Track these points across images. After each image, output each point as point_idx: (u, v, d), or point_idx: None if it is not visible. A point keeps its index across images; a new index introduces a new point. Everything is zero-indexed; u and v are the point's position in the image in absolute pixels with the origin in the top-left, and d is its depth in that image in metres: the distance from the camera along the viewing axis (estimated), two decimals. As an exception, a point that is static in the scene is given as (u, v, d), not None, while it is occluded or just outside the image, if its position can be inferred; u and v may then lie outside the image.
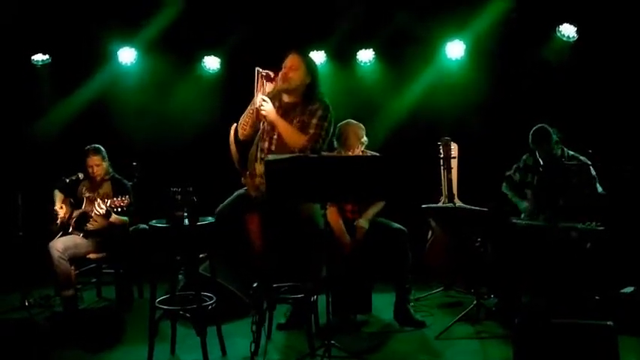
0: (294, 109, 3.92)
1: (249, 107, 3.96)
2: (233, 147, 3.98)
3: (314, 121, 3.84)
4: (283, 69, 3.92)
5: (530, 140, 4.68)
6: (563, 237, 4.33)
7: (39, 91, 6.55)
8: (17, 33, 6.26)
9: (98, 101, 6.52)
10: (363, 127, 4.65)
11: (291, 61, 3.93)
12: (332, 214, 4.54)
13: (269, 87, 3.87)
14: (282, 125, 3.83)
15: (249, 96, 4.20)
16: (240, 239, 3.91)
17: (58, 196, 5.21)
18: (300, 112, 3.90)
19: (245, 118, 3.97)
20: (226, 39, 6.43)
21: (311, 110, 3.88)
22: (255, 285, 3.94)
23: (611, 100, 5.69)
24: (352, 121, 4.65)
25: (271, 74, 3.87)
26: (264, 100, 3.82)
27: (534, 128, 4.69)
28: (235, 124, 4.01)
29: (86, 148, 5.22)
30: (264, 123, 3.93)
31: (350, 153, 4.54)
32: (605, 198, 4.51)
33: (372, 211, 4.64)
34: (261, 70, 3.85)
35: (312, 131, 3.82)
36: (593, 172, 4.56)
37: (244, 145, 4.00)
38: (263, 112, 3.82)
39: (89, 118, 6.47)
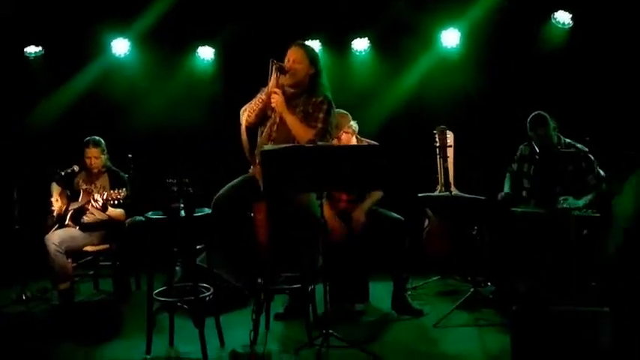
0: (297, 99, 3.94)
1: (258, 95, 3.99)
2: (244, 135, 4.00)
3: (320, 115, 3.86)
4: (287, 63, 3.93)
5: (528, 127, 4.68)
6: (559, 224, 4.34)
7: (32, 83, 6.50)
8: (9, 25, 6.21)
9: (92, 93, 6.48)
10: (348, 113, 4.65)
11: (293, 54, 3.96)
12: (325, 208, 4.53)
13: (282, 79, 3.89)
14: (290, 118, 3.85)
15: (245, 86, 4.21)
16: (240, 227, 3.91)
17: (55, 189, 5.20)
18: (303, 102, 3.92)
19: (252, 106, 3.99)
20: (220, 29, 6.40)
21: (315, 103, 3.90)
22: (253, 275, 3.94)
23: (608, 87, 5.68)
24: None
25: (285, 66, 3.89)
26: (275, 92, 3.84)
27: (532, 115, 4.68)
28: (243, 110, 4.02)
29: (86, 139, 5.20)
30: (272, 112, 3.94)
31: (339, 133, 4.54)
32: (606, 181, 4.52)
33: (368, 203, 4.62)
34: (275, 61, 3.85)
35: (319, 126, 3.84)
36: (592, 157, 4.57)
37: (252, 132, 4.00)
38: (273, 104, 3.85)
39: (83, 110, 6.44)
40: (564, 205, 4.31)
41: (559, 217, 4.31)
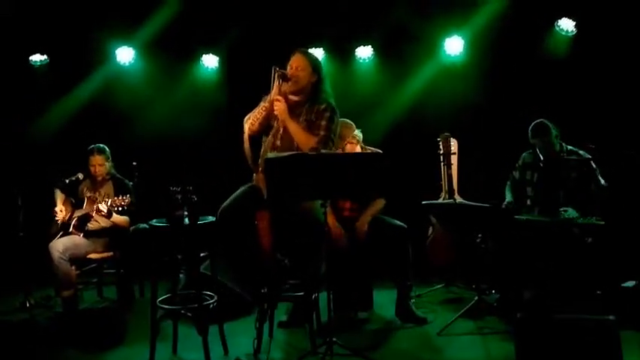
0: (300, 107, 3.94)
1: (261, 103, 3.99)
2: (247, 143, 4.00)
3: (323, 122, 3.85)
4: (289, 70, 3.93)
5: (529, 135, 4.67)
6: (564, 232, 4.33)
7: (37, 91, 6.53)
8: (15, 33, 6.25)
9: (97, 101, 6.52)
10: (352, 123, 4.64)
11: (296, 61, 3.95)
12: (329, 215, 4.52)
13: (284, 86, 3.89)
14: (293, 126, 3.84)
15: (249, 93, 4.21)
16: (245, 237, 3.91)
17: (60, 196, 5.20)
18: (306, 111, 3.91)
19: (256, 114, 3.99)
20: (224, 37, 6.43)
21: (318, 110, 3.89)
22: (258, 283, 3.94)
23: (611, 94, 5.68)
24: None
25: (287, 74, 3.89)
26: (278, 100, 3.84)
27: (533, 123, 4.68)
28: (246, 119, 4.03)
29: (90, 147, 5.21)
30: (275, 121, 3.94)
31: (343, 144, 4.54)
32: (608, 190, 4.51)
33: (370, 212, 4.62)
34: (278, 68, 3.86)
35: (322, 133, 3.83)
36: (594, 165, 4.56)
37: (256, 141, 4.01)
38: (276, 112, 3.85)
39: (88, 118, 6.46)
40: (565, 216, 4.30)
41: (563, 226, 4.30)
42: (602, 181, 4.54)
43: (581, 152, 4.60)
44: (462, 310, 4.44)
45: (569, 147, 4.68)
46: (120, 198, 4.88)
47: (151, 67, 6.58)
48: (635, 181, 4.94)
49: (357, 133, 4.64)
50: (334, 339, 3.70)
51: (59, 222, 5.09)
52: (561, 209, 4.38)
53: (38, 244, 5.01)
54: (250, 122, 3.99)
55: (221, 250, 4.14)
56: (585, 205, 4.42)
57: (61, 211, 5.10)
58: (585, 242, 4.34)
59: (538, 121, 4.66)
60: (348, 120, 4.59)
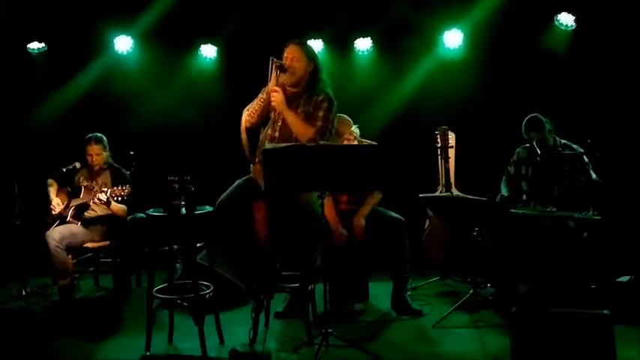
0: (298, 99, 3.92)
1: (259, 95, 3.98)
2: (244, 135, 3.99)
3: (320, 113, 3.84)
4: (285, 61, 3.91)
5: (523, 130, 4.67)
6: (559, 226, 4.34)
7: (35, 79, 6.50)
8: (13, 21, 6.22)
9: (95, 90, 6.49)
10: (349, 119, 4.64)
11: (291, 52, 3.93)
12: (327, 207, 4.52)
13: (282, 77, 3.87)
14: (291, 116, 3.83)
15: (247, 84, 4.20)
16: (242, 228, 3.91)
17: (53, 185, 5.20)
18: (304, 102, 3.89)
19: (254, 106, 3.98)
20: (223, 27, 6.40)
21: (316, 101, 3.87)
22: (256, 274, 3.95)
23: (611, 90, 5.68)
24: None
25: (285, 65, 3.87)
26: (275, 91, 3.83)
27: (527, 117, 4.67)
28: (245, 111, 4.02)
29: (88, 136, 5.21)
30: (273, 112, 3.93)
31: (341, 140, 4.53)
32: (600, 184, 4.51)
33: (367, 207, 4.62)
34: (275, 59, 3.84)
35: (319, 124, 3.81)
36: (586, 159, 4.57)
37: (254, 133, 4.00)
38: (273, 103, 3.84)
39: (86, 106, 6.44)
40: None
41: (558, 220, 4.31)
42: (594, 176, 4.55)
43: (574, 146, 4.61)
44: (458, 303, 4.45)
45: (563, 141, 4.68)
46: (120, 188, 4.88)
47: (149, 56, 6.55)
48: (633, 179, 4.95)
49: (355, 129, 4.63)
50: (330, 330, 3.72)
51: (56, 211, 5.08)
52: (547, 209, 4.40)
53: (35, 233, 5.00)
54: (248, 114, 3.98)
55: (219, 242, 4.14)
56: (575, 199, 4.43)
57: (58, 205, 5.10)
58: (581, 237, 4.35)
59: (531, 115, 4.66)
60: (345, 116, 4.58)
